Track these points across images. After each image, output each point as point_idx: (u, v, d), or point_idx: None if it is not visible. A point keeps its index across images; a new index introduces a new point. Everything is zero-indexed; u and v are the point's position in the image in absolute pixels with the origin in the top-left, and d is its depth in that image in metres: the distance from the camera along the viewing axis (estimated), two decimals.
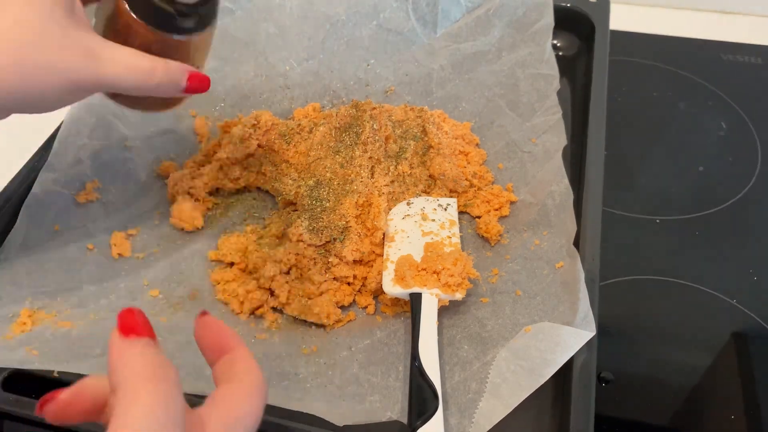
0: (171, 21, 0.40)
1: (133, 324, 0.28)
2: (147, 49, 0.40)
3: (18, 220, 0.50)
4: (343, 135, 0.56)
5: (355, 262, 0.50)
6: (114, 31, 0.41)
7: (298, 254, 0.49)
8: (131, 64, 0.38)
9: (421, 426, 0.38)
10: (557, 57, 0.62)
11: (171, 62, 0.40)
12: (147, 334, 0.27)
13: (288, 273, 0.49)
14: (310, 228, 0.50)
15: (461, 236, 0.52)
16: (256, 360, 0.43)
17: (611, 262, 0.53)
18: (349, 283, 0.49)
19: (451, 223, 0.51)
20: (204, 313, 0.31)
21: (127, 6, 0.39)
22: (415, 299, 0.45)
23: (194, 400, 0.29)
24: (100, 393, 0.29)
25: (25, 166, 0.54)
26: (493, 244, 0.52)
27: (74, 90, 0.38)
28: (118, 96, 0.44)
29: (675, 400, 0.48)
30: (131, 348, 0.27)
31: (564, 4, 0.67)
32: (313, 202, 0.52)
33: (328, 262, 0.49)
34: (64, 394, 0.29)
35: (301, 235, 0.50)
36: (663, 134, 0.68)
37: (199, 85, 0.42)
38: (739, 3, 0.82)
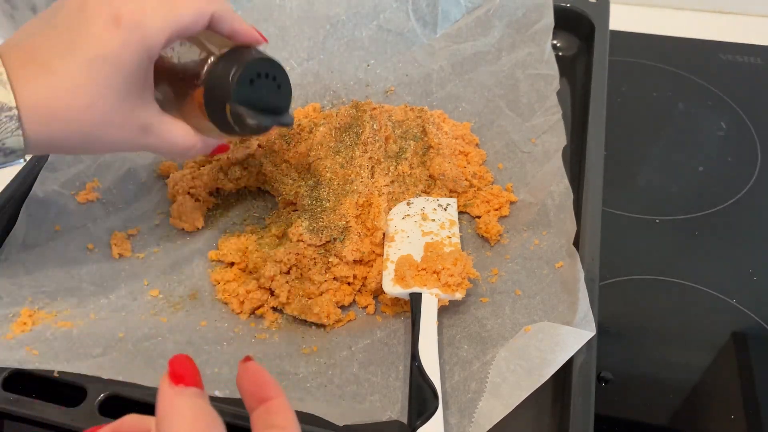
0: (232, 131, 0.42)
1: (183, 372, 0.28)
2: (196, 125, 0.43)
3: (18, 220, 0.50)
4: (343, 135, 0.56)
5: (355, 262, 0.50)
6: (178, 102, 0.43)
7: (298, 254, 0.49)
8: (178, 143, 0.43)
9: (421, 426, 0.38)
10: (557, 57, 0.62)
11: (205, 140, 0.44)
12: (197, 384, 0.28)
13: (288, 273, 0.49)
14: (310, 228, 0.50)
15: (461, 236, 0.52)
16: (256, 360, 0.44)
17: (611, 262, 0.53)
18: (349, 283, 0.50)
19: (451, 223, 0.52)
20: (247, 359, 0.31)
21: (203, 104, 0.41)
22: (415, 299, 0.45)
23: None
24: None
25: (25, 166, 0.54)
26: (492, 244, 0.52)
27: (124, 150, 0.43)
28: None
29: (675, 400, 0.48)
30: (181, 397, 0.27)
31: (564, 4, 0.67)
32: (313, 202, 0.52)
33: (328, 262, 0.49)
34: (103, 430, 0.30)
35: (301, 235, 0.50)
36: (663, 134, 0.68)
37: (221, 152, 0.48)
38: (739, 3, 0.82)
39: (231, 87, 0.40)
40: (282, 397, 0.30)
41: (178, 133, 0.43)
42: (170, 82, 0.43)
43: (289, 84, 0.44)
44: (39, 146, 0.38)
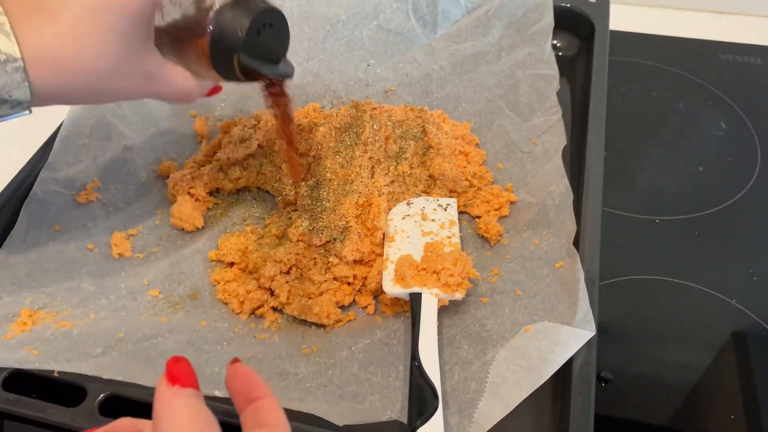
0: (236, 79, 0.43)
1: (179, 373, 0.29)
2: (197, 71, 0.44)
3: (18, 220, 0.50)
4: (343, 135, 0.56)
5: (355, 262, 0.50)
6: (178, 49, 0.43)
7: (298, 254, 0.49)
8: (179, 88, 0.43)
9: (421, 426, 0.38)
10: (557, 57, 0.62)
11: (204, 84, 0.45)
12: (193, 385, 0.29)
13: (288, 273, 0.49)
14: (310, 228, 0.50)
15: (461, 236, 0.52)
16: (256, 360, 0.44)
17: (611, 262, 0.53)
18: (349, 283, 0.50)
19: (451, 223, 0.52)
20: (235, 361, 0.32)
21: (209, 54, 0.41)
22: (415, 299, 0.45)
23: None
24: None
25: (25, 166, 0.54)
26: (492, 244, 0.52)
27: (126, 100, 0.44)
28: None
29: (675, 400, 0.48)
30: (178, 398, 0.28)
31: (564, 5, 0.67)
32: (313, 202, 0.52)
33: (328, 262, 0.49)
34: None
35: (301, 235, 0.50)
36: (663, 134, 0.68)
37: (216, 92, 0.48)
38: (739, 3, 0.82)
39: (240, 39, 0.39)
40: (271, 397, 0.30)
41: (179, 79, 0.43)
42: (171, 29, 0.42)
43: (288, 31, 0.44)
44: (46, 97, 0.38)
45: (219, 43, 0.40)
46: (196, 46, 0.41)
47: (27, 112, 0.39)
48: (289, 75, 0.45)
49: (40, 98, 0.38)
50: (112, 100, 0.43)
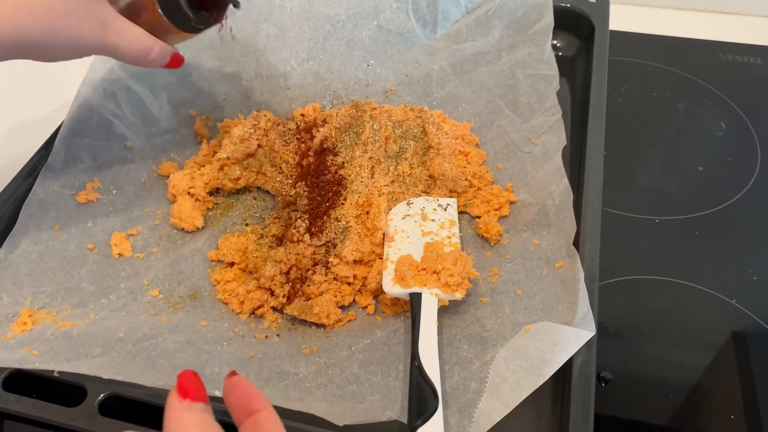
0: (187, 23, 0.46)
1: (190, 388, 0.29)
2: (150, 27, 0.46)
3: (18, 220, 0.50)
4: (343, 135, 0.56)
5: (355, 262, 0.50)
6: (130, 6, 0.45)
7: (298, 254, 0.49)
8: (135, 41, 0.45)
9: (421, 425, 0.38)
10: (557, 57, 0.62)
11: (162, 44, 0.47)
12: (203, 399, 0.29)
13: (288, 273, 0.49)
14: (310, 228, 0.50)
15: (461, 236, 0.52)
16: (256, 360, 0.44)
17: (611, 262, 0.53)
18: (349, 283, 0.50)
19: (450, 223, 0.52)
20: (233, 374, 0.32)
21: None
22: (415, 299, 0.45)
23: None
24: None
25: (25, 166, 0.54)
26: (492, 244, 0.52)
27: (84, 52, 0.44)
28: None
29: (675, 400, 0.48)
30: (188, 411, 0.29)
31: (564, 5, 0.67)
32: (313, 202, 0.52)
33: (328, 262, 0.49)
34: None
35: (301, 235, 0.50)
36: (663, 134, 0.68)
37: (176, 64, 0.49)
38: (739, 3, 0.82)
39: None
40: (269, 409, 0.30)
41: (136, 32, 0.45)
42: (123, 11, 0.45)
43: None
44: (6, 41, 0.39)
45: None
46: (143, 0, 0.44)
47: None
48: (237, 2, 0.47)
49: (2, 42, 0.39)
50: (74, 49, 0.43)
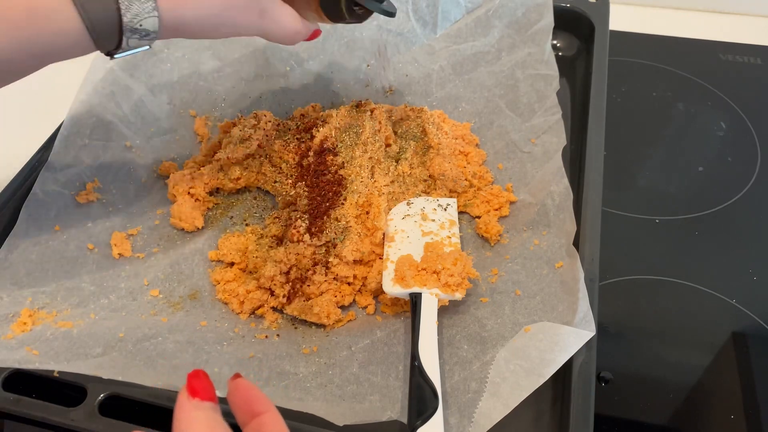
0: (340, 19, 0.49)
1: (199, 387, 0.30)
2: (300, 8, 0.48)
3: (18, 220, 0.50)
4: (343, 135, 0.56)
5: (355, 262, 0.50)
6: None
7: (298, 254, 0.49)
8: (288, 27, 0.47)
9: (421, 425, 0.38)
10: (557, 57, 0.62)
11: (308, 25, 0.49)
12: (212, 399, 0.30)
13: (288, 273, 0.49)
14: (310, 228, 0.50)
15: (461, 236, 0.52)
16: (256, 360, 0.44)
17: (611, 262, 0.53)
18: (349, 283, 0.50)
19: (450, 223, 0.52)
20: (236, 376, 0.33)
21: None
22: (415, 299, 0.45)
23: None
24: None
25: (25, 166, 0.54)
26: (492, 244, 0.52)
27: (239, 35, 0.47)
28: None
29: (675, 400, 0.48)
30: (197, 410, 0.29)
31: (564, 5, 0.67)
32: (313, 202, 0.52)
33: (328, 262, 0.49)
34: None
35: (301, 235, 0.50)
36: (662, 134, 0.68)
37: (314, 37, 0.51)
38: (739, 3, 0.82)
39: None
40: (273, 411, 0.31)
41: (289, 18, 0.47)
42: None
43: None
44: (171, 28, 0.41)
45: None
46: None
47: (148, 46, 0.42)
48: (392, 13, 0.49)
49: (165, 28, 0.41)
50: (229, 34, 0.45)
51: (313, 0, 0.47)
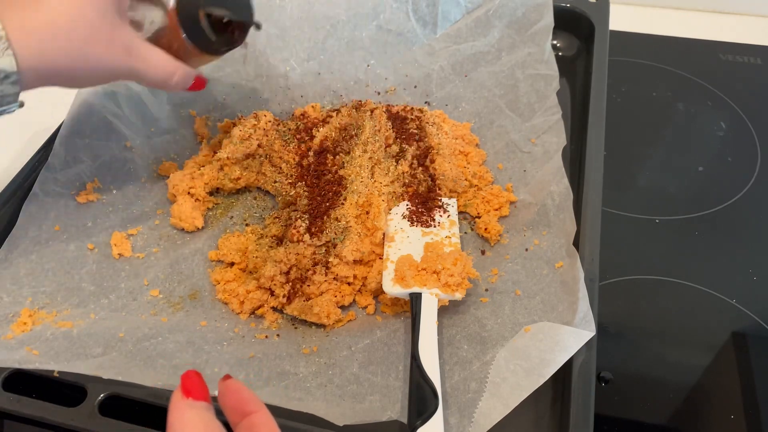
0: (210, 46, 0.47)
1: (193, 387, 0.31)
2: (173, 51, 0.47)
3: (18, 220, 0.50)
4: (343, 135, 0.56)
5: (355, 262, 0.50)
6: (154, 31, 0.46)
7: (298, 254, 0.49)
8: (159, 66, 0.45)
9: (421, 425, 0.38)
10: (557, 57, 0.62)
11: (185, 67, 0.47)
12: (205, 398, 0.31)
13: (288, 273, 0.49)
14: (310, 228, 0.50)
15: (461, 236, 0.52)
16: (256, 360, 0.44)
17: (611, 262, 0.53)
18: (349, 283, 0.50)
19: (451, 223, 0.52)
20: (227, 377, 0.33)
21: (178, 22, 0.45)
22: (415, 299, 0.45)
23: None
24: None
25: (25, 166, 0.54)
26: (492, 244, 0.52)
27: (110, 77, 0.45)
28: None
29: (675, 400, 0.48)
30: (191, 409, 0.30)
31: (564, 5, 0.67)
32: (313, 202, 0.52)
33: (328, 262, 0.49)
34: None
35: (301, 235, 0.50)
36: (662, 134, 0.68)
37: (199, 87, 0.50)
38: (739, 3, 0.82)
39: None
40: (264, 411, 0.31)
41: (158, 57, 0.45)
42: (143, 12, 0.46)
43: None
44: (32, 68, 0.39)
45: (184, 4, 0.44)
46: (168, 19, 0.45)
47: (16, 105, 0.40)
48: (258, 26, 0.49)
49: (26, 68, 0.39)
50: (99, 75, 0.43)
51: (176, 33, 0.46)
